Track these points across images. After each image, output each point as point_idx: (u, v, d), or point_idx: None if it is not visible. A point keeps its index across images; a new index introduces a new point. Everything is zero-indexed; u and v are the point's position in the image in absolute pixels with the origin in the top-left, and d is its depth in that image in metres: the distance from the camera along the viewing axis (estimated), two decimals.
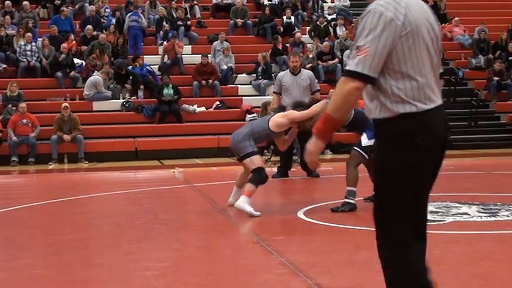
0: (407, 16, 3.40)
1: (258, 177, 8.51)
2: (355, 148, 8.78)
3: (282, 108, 11.46)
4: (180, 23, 22.96)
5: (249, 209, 8.24)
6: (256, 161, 8.57)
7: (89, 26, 21.88)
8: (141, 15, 22.60)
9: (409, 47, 3.42)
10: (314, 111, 8.74)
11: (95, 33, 21.76)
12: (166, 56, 21.70)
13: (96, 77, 19.69)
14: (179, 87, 19.86)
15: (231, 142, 8.79)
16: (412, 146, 3.46)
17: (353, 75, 3.37)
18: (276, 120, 8.71)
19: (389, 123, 3.47)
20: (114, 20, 22.69)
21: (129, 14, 22.45)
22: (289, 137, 9.40)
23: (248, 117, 19.26)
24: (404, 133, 3.46)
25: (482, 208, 8.65)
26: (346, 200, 8.55)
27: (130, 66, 20.67)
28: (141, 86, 20.14)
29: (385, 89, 3.44)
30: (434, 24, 3.55)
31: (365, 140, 8.66)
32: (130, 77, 20.29)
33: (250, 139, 8.56)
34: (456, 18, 24.89)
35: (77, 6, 23.69)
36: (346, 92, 3.38)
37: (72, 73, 20.38)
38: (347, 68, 3.43)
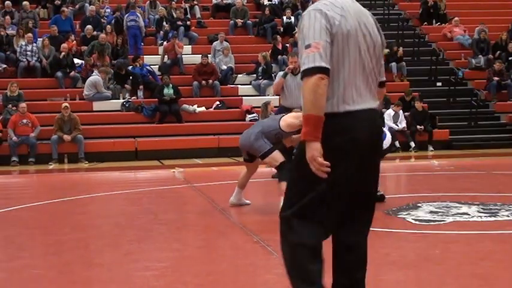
0: (343, 17, 3.54)
1: (287, 172, 8.50)
2: None
3: (283, 108, 11.44)
4: (180, 23, 22.97)
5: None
6: (277, 157, 8.55)
7: (89, 26, 21.88)
8: (138, 14, 22.59)
9: (343, 47, 3.53)
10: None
11: (95, 33, 21.76)
12: (166, 56, 21.70)
13: (96, 77, 19.69)
14: (179, 87, 19.86)
15: (243, 143, 8.73)
16: (329, 147, 3.48)
17: (312, 71, 3.46)
18: (288, 120, 8.70)
19: None
20: (113, 20, 22.69)
21: (127, 14, 22.45)
22: (298, 137, 9.40)
23: (248, 117, 19.27)
24: (326, 133, 3.49)
25: (482, 208, 8.65)
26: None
27: (131, 66, 20.68)
28: (141, 86, 20.14)
29: None
30: (373, 31, 3.67)
31: (385, 141, 8.62)
32: (130, 77, 20.29)
33: (263, 137, 8.56)
34: (456, 18, 24.90)
35: (77, 6, 23.69)
36: (312, 85, 3.45)
37: (72, 73, 20.39)
38: (304, 67, 3.49)
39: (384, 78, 3.96)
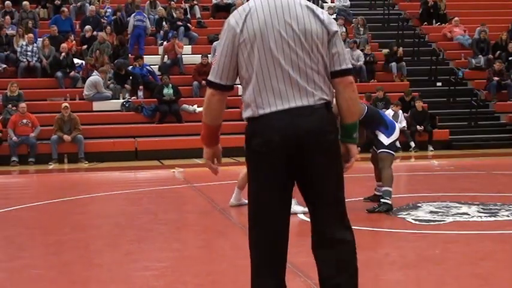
0: (247, 22, 3.50)
1: None
2: (382, 150, 8.65)
3: None
4: (180, 23, 22.97)
5: (300, 209, 8.15)
6: None
7: (88, 27, 21.88)
8: (145, 15, 22.64)
9: (249, 53, 3.50)
10: None
11: (94, 33, 21.76)
12: (166, 56, 21.70)
13: (96, 77, 19.69)
14: (179, 87, 19.87)
15: None
16: (249, 150, 3.59)
17: (208, 84, 3.64)
18: None
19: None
20: (113, 20, 22.70)
21: (133, 14, 22.44)
22: None
23: None
24: (246, 137, 3.61)
25: (482, 208, 8.65)
26: (383, 200, 8.46)
27: (131, 66, 20.68)
28: (141, 86, 20.14)
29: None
30: (300, 21, 3.51)
31: (385, 140, 8.61)
32: (130, 77, 20.28)
33: None
34: (456, 18, 24.90)
35: (78, 4, 23.62)
36: (206, 99, 3.65)
37: (72, 73, 20.39)
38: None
39: (341, 67, 3.59)
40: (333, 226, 3.60)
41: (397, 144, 9.07)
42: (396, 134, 8.79)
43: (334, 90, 3.61)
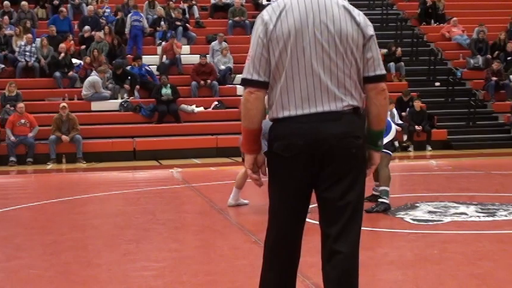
0: (281, 19, 3.37)
1: None
2: None
3: None
4: (178, 23, 22.97)
5: None
6: None
7: (87, 27, 21.87)
8: (142, 15, 22.63)
9: (281, 51, 3.37)
10: None
11: (93, 33, 21.75)
12: (164, 56, 21.70)
13: (95, 77, 19.69)
14: (177, 87, 19.86)
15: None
16: (272, 153, 3.48)
17: (243, 82, 3.48)
18: None
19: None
20: (115, 21, 22.68)
21: (130, 14, 22.44)
22: None
23: None
24: (268, 139, 3.50)
25: (480, 208, 8.66)
26: (380, 200, 8.51)
27: (129, 66, 20.68)
28: (137, 86, 20.13)
29: None
30: (336, 23, 3.38)
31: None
32: (129, 77, 20.28)
33: (263, 138, 8.55)
34: (454, 19, 24.92)
35: (77, 1, 23.57)
36: (243, 100, 3.47)
37: (71, 73, 20.38)
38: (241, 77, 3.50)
39: (377, 73, 3.49)
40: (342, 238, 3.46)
41: (395, 143, 9.05)
42: (392, 134, 8.80)
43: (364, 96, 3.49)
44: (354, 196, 3.45)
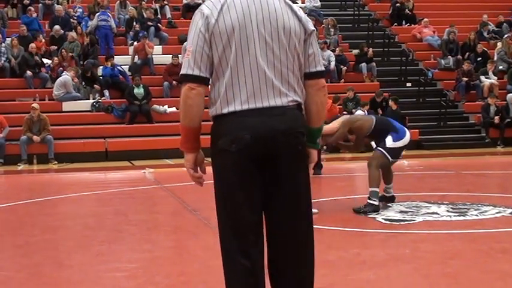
0: (223, 13, 3.30)
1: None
2: (379, 149, 8.62)
3: None
4: (150, 23, 22.89)
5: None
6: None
7: (57, 26, 21.73)
8: (109, 14, 22.50)
9: (224, 47, 3.29)
10: (334, 127, 8.71)
11: (66, 33, 21.59)
12: (136, 56, 21.62)
13: (66, 76, 19.57)
14: (150, 88, 19.81)
15: None
16: (216, 149, 3.39)
17: (182, 78, 3.35)
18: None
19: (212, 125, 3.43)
20: (90, 21, 22.52)
21: (97, 14, 22.32)
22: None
23: None
24: (212, 136, 3.41)
25: (451, 208, 8.72)
26: (369, 201, 8.40)
27: (102, 67, 20.57)
28: (105, 90, 20.06)
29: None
30: (279, 17, 3.34)
31: (390, 142, 8.53)
32: (100, 77, 20.18)
33: None
34: (425, 19, 25.09)
35: (47, 1, 23.38)
36: (183, 96, 3.34)
37: (41, 73, 20.22)
38: (180, 73, 3.39)
39: (316, 69, 3.46)
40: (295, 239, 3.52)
41: (402, 153, 8.87)
42: (405, 141, 8.62)
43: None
44: (302, 195, 3.45)
